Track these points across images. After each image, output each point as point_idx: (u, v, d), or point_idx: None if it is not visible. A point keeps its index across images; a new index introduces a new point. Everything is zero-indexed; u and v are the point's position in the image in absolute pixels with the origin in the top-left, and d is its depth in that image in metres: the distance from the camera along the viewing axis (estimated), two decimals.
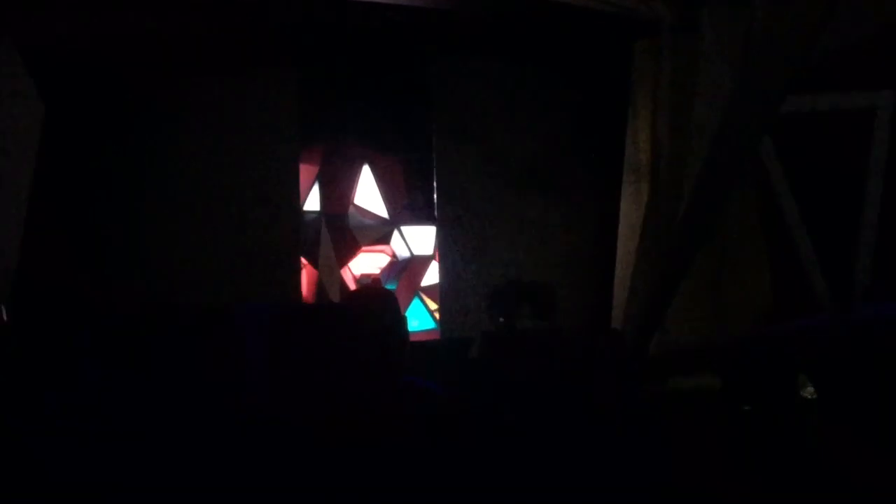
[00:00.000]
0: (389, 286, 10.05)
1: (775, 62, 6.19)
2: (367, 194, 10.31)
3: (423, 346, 8.66)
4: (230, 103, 9.11)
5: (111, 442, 4.73)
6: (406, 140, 10.05)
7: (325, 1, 7.71)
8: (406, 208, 10.36)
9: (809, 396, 6.00)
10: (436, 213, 9.46)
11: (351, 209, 10.26)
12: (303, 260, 10.08)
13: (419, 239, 10.40)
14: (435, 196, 9.47)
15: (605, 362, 5.52)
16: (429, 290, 10.45)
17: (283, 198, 9.40)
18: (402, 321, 5.26)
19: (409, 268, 10.39)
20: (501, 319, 6.46)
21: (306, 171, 10.22)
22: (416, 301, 10.32)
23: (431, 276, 10.45)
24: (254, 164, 9.19)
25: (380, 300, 5.27)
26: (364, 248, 10.21)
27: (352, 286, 9.99)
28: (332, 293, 9.95)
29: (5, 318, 6.28)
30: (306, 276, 10.06)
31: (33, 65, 7.75)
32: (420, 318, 10.27)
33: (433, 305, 10.37)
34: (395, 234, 10.36)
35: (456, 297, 9.79)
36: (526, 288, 6.58)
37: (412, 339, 5.67)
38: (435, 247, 10.39)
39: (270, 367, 5.07)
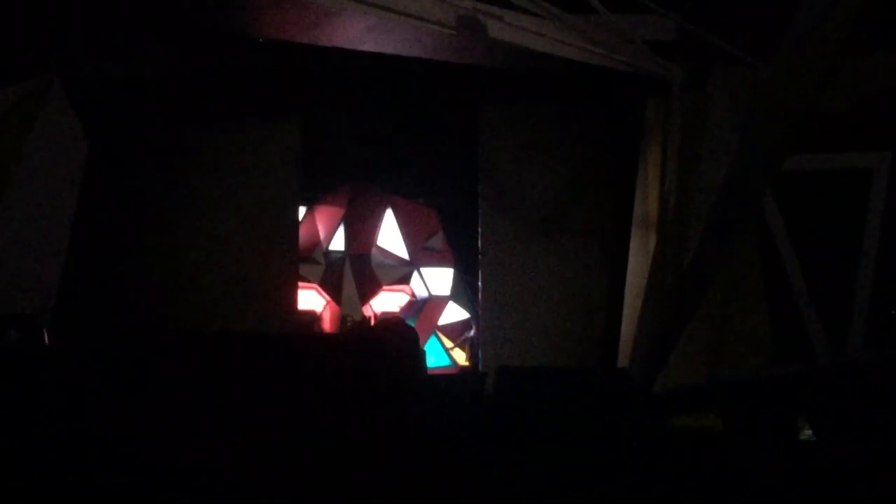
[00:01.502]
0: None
1: (778, 123, 6.51)
2: (389, 236, 10.72)
3: (440, 380, 8.91)
4: (234, 147, 9.39)
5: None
6: (427, 185, 10.42)
7: (345, 52, 7.91)
8: (425, 250, 10.76)
9: (807, 439, 6.30)
10: (479, 248, 9.59)
11: (374, 250, 10.67)
12: (326, 297, 10.47)
13: (437, 280, 10.79)
14: (479, 239, 9.60)
15: (612, 401, 5.78)
16: (445, 329, 10.83)
17: (281, 235, 9.49)
18: (421, 356, 5.57)
19: (426, 307, 10.77)
20: None
21: (332, 213, 10.66)
22: (433, 339, 10.68)
23: (448, 315, 10.83)
24: (253, 204, 9.38)
25: (399, 332, 5.56)
26: (385, 288, 10.60)
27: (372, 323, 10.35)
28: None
29: (46, 341, 6.48)
30: (330, 312, 10.44)
31: (78, 103, 8.15)
32: (436, 355, 10.62)
33: (449, 343, 10.73)
34: (415, 274, 10.74)
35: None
36: None
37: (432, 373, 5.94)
38: (452, 287, 10.78)
39: (291, 391, 5.36)
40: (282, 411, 5.24)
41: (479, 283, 9.50)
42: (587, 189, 9.32)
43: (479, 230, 9.51)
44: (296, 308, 9.57)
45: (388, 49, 7.83)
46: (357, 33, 7.53)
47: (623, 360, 8.18)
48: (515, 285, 9.43)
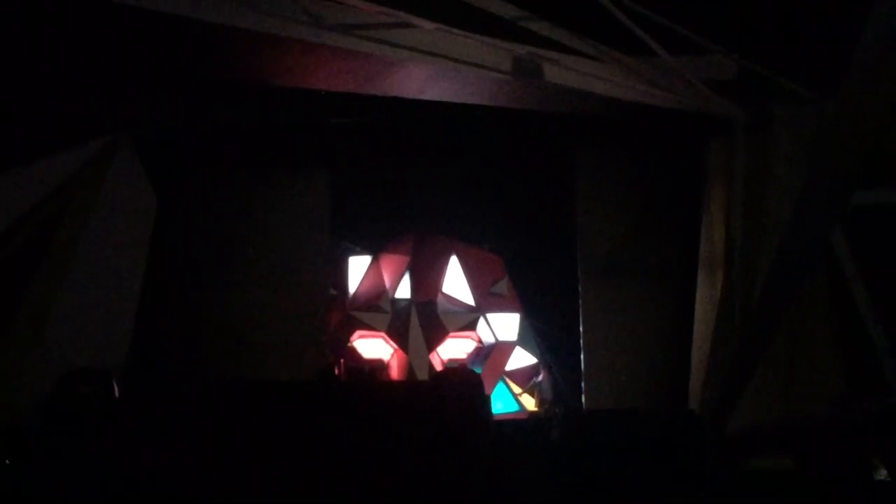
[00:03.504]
0: (475, 370, 10.40)
1: (844, 158, 6.46)
2: (455, 283, 10.75)
3: (507, 425, 8.87)
4: (270, 198, 9.51)
5: None
6: (492, 231, 10.44)
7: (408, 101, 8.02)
8: (491, 296, 10.77)
9: (883, 479, 6.14)
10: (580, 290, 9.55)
11: (439, 297, 10.70)
12: (394, 345, 10.52)
13: (504, 326, 10.78)
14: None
15: (682, 444, 5.70)
16: (513, 374, 10.79)
17: (313, 285, 9.59)
18: (487, 401, 5.57)
19: (494, 353, 10.75)
20: None
21: (397, 260, 10.74)
22: (500, 385, 10.65)
23: (515, 360, 10.79)
24: (287, 253, 9.46)
25: (465, 381, 5.58)
26: (452, 334, 10.61)
27: (440, 369, 10.36)
28: (420, 376, 10.34)
29: (116, 394, 6.58)
30: (397, 361, 10.48)
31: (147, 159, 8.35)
32: (504, 401, 10.59)
33: (517, 389, 10.69)
34: (481, 320, 10.75)
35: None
36: None
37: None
38: (518, 333, 10.76)
39: (357, 440, 5.39)
40: (349, 460, 5.27)
41: (581, 328, 9.44)
42: (652, 231, 9.24)
43: (580, 276, 9.49)
44: (327, 359, 9.70)
45: (449, 97, 7.89)
46: (417, 83, 7.62)
47: (693, 401, 8.09)
48: (590, 329, 9.42)
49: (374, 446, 5.31)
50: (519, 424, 9.45)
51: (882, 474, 6.00)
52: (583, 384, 9.32)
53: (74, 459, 5.45)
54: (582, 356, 9.37)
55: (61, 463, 5.44)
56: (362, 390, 6.26)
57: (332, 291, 10.64)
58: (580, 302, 9.44)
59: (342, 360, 10.13)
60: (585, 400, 9.21)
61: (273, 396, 5.79)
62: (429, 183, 10.19)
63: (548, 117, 8.50)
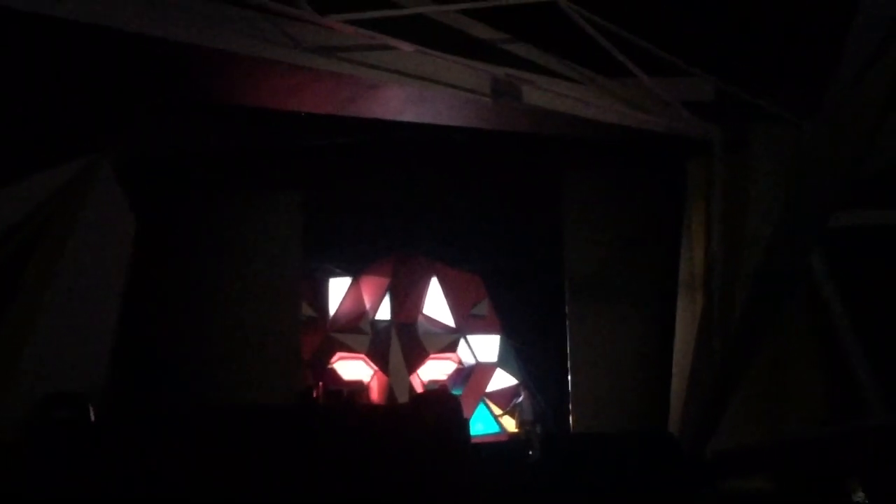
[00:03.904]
0: (456, 392, 10.39)
1: (824, 179, 6.48)
2: (435, 304, 10.74)
3: (486, 448, 8.83)
4: (244, 219, 9.53)
5: None
6: (472, 252, 10.43)
7: (388, 124, 8.00)
8: (471, 317, 10.76)
9: (860, 501, 6.14)
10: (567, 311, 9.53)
11: (420, 318, 10.69)
12: (374, 366, 10.50)
13: (484, 347, 10.77)
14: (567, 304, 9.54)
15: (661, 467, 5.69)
16: (493, 396, 10.78)
17: (286, 305, 9.54)
18: (465, 425, 5.55)
19: (474, 374, 10.74)
20: None
21: (377, 282, 10.73)
22: (481, 406, 10.64)
23: (496, 382, 10.78)
24: (260, 275, 9.43)
25: (444, 404, 5.56)
26: (432, 356, 10.60)
27: (420, 391, 10.33)
28: (401, 398, 10.32)
29: (92, 418, 6.43)
30: (377, 382, 10.46)
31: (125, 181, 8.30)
32: (485, 422, 10.56)
33: (497, 410, 10.67)
34: (462, 341, 10.73)
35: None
36: None
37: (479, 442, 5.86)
38: (499, 354, 10.75)
39: (335, 463, 5.35)
40: (328, 484, 5.23)
41: (568, 349, 9.42)
42: (635, 252, 9.23)
43: (567, 296, 9.47)
44: (300, 380, 9.66)
45: (428, 119, 7.88)
46: (397, 104, 7.61)
47: (673, 421, 8.06)
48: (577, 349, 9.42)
49: (353, 470, 5.27)
50: (497, 447, 9.40)
51: (859, 496, 5.99)
52: (570, 405, 9.25)
53: (51, 481, 5.40)
54: (569, 377, 9.33)
55: (38, 484, 5.38)
56: (342, 415, 6.20)
57: (312, 313, 10.63)
58: (567, 323, 9.41)
59: (321, 383, 10.10)
60: (572, 420, 9.14)
61: (251, 421, 5.75)
62: (409, 205, 10.18)
63: (528, 139, 8.50)
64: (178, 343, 8.98)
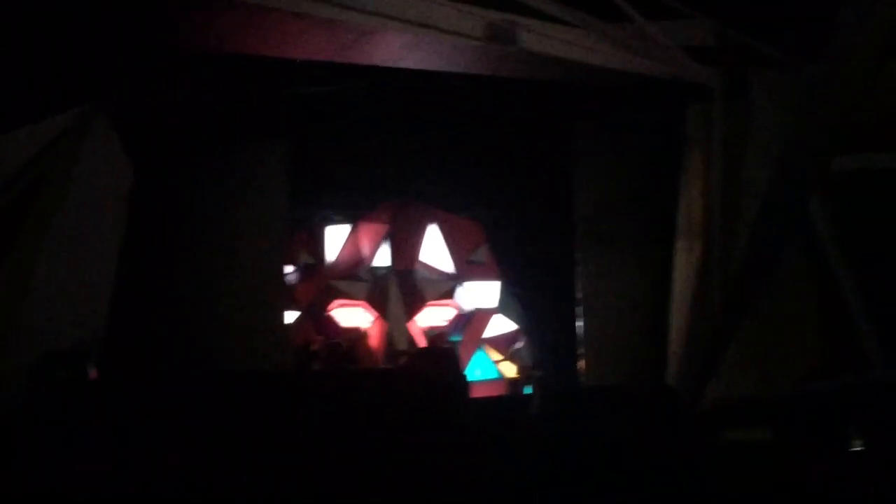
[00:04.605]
0: (454, 339, 10.40)
1: (824, 123, 6.43)
2: (434, 251, 10.71)
3: (485, 403, 8.84)
4: (228, 175, 9.35)
5: None
6: (471, 198, 10.36)
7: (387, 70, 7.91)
8: (470, 263, 10.73)
9: (858, 449, 6.17)
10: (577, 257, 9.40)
11: (418, 265, 10.66)
12: (374, 313, 10.49)
13: (483, 293, 10.76)
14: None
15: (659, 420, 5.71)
16: (492, 342, 10.80)
17: (270, 262, 9.40)
18: (464, 381, 5.54)
19: (473, 321, 10.74)
20: None
21: (376, 229, 10.68)
22: (479, 352, 10.66)
23: (495, 328, 10.79)
24: (244, 230, 9.27)
25: (440, 361, 5.56)
26: (431, 303, 10.59)
27: (419, 339, 10.35)
28: (400, 344, 10.33)
29: (91, 376, 6.41)
30: (376, 330, 10.46)
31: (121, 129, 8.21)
32: (484, 367, 10.60)
33: (497, 356, 10.69)
34: (461, 288, 10.72)
35: None
36: None
37: (479, 389, 5.82)
38: (498, 300, 10.74)
39: (333, 427, 5.37)
40: (324, 448, 5.25)
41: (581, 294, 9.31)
42: (629, 199, 9.16)
43: (578, 243, 9.36)
44: (289, 338, 9.62)
45: (426, 65, 7.79)
46: (394, 51, 7.51)
47: (670, 374, 8.06)
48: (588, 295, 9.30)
49: (351, 434, 5.29)
50: (497, 402, 9.43)
51: (857, 445, 6.02)
52: (579, 352, 9.23)
53: (51, 443, 5.41)
54: (580, 323, 9.24)
55: (38, 447, 5.40)
56: (339, 378, 6.20)
57: (310, 260, 10.61)
58: (578, 269, 9.32)
59: (320, 337, 10.11)
60: (584, 367, 9.14)
61: (251, 385, 5.76)
62: (407, 151, 10.10)
63: (529, 85, 8.40)
64: (170, 301, 8.88)
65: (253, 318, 9.03)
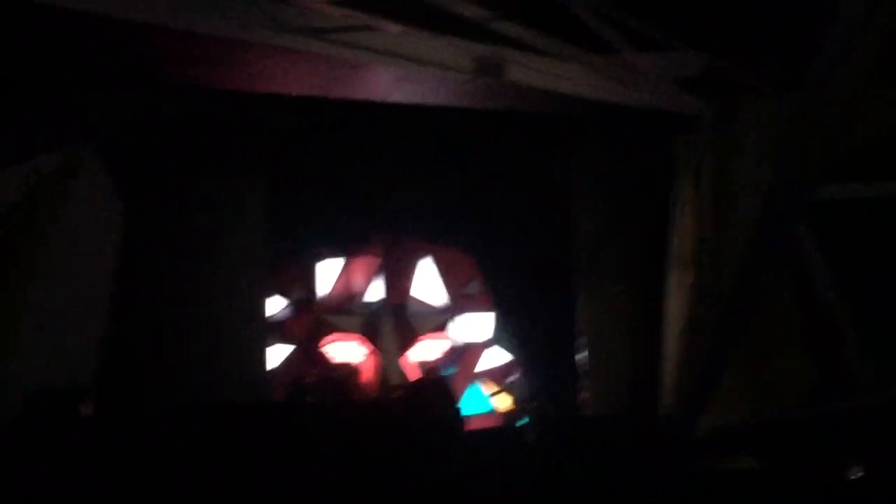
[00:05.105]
0: (448, 372, 10.38)
1: (810, 153, 6.46)
2: (427, 284, 10.70)
3: (479, 436, 8.80)
4: (209, 207, 9.30)
5: None
6: (464, 231, 10.38)
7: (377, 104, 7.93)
8: (463, 296, 10.73)
9: (855, 477, 6.16)
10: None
11: (411, 299, 10.66)
12: (368, 346, 10.48)
13: (476, 326, 10.75)
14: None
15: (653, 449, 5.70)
16: (486, 375, 10.76)
17: (251, 296, 9.40)
18: (459, 415, 5.53)
19: (467, 354, 10.72)
20: None
21: (368, 263, 10.68)
22: (474, 386, 10.63)
23: (489, 360, 10.77)
24: (225, 264, 9.24)
25: (434, 393, 5.55)
26: (424, 336, 10.58)
27: (412, 373, 10.33)
28: (393, 378, 10.30)
29: (84, 413, 6.35)
30: (369, 364, 10.43)
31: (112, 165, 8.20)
32: (478, 401, 10.56)
33: (491, 389, 10.66)
34: (454, 321, 10.71)
35: None
36: None
37: (473, 422, 5.84)
38: (492, 333, 10.73)
39: (326, 460, 5.35)
40: (317, 482, 5.23)
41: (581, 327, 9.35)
42: (620, 231, 9.19)
43: (577, 274, 9.41)
44: (268, 374, 9.60)
45: (416, 99, 7.86)
46: (384, 85, 7.58)
47: (663, 406, 8.04)
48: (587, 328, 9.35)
49: (345, 468, 5.27)
50: (492, 434, 9.37)
51: (855, 473, 6.00)
52: (580, 384, 9.24)
53: (42, 479, 5.38)
54: (580, 351, 9.29)
55: (29, 484, 5.37)
56: (333, 410, 6.20)
57: (302, 295, 10.60)
58: (578, 300, 9.35)
59: (312, 371, 10.09)
60: (581, 396, 9.15)
61: (245, 418, 5.74)
62: (400, 184, 10.12)
63: (520, 117, 8.46)
64: (160, 337, 8.85)
65: (234, 352, 9.03)
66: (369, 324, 10.55)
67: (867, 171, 7.30)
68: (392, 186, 10.17)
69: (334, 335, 10.55)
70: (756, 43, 7.38)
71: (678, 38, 7.37)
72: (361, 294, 10.66)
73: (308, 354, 10.46)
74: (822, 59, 6.07)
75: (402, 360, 10.40)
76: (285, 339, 10.46)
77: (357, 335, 10.52)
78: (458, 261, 10.76)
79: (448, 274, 10.77)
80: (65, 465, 5.44)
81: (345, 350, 10.47)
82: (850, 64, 6.11)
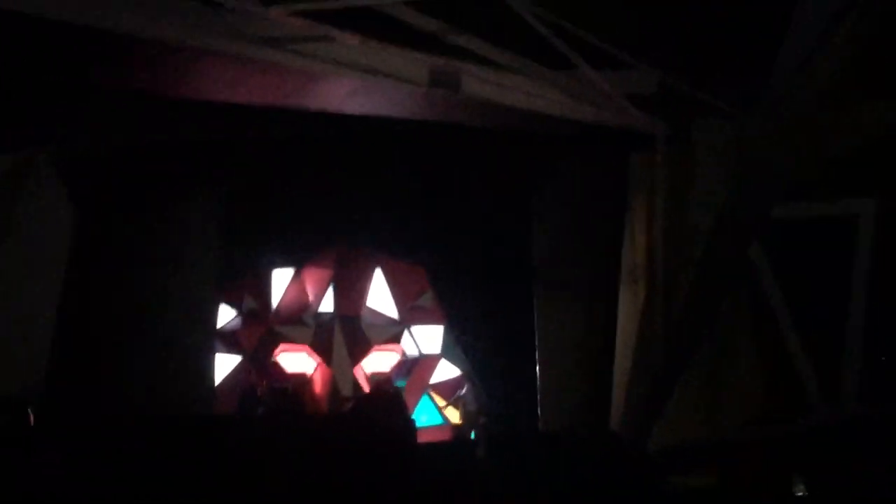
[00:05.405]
0: (400, 384, 10.34)
1: (764, 174, 6.54)
2: (379, 296, 10.67)
3: (430, 449, 8.79)
4: (159, 219, 9.29)
5: None
6: (415, 244, 10.36)
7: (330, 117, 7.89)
8: (415, 309, 10.71)
9: (802, 495, 6.22)
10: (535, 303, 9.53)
11: (363, 310, 10.62)
12: (318, 358, 10.41)
13: (428, 338, 10.73)
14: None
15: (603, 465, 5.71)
16: (437, 387, 10.75)
17: (200, 308, 9.46)
18: (411, 427, 5.52)
19: (418, 366, 10.70)
20: None
21: (320, 274, 10.63)
22: (425, 398, 10.60)
23: (439, 373, 10.75)
24: (176, 273, 9.22)
25: (386, 405, 5.53)
26: (376, 348, 10.54)
27: (364, 384, 10.28)
28: (345, 390, 10.25)
29: (32, 420, 6.23)
30: (321, 374, 10.37)
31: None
32: (429, 414, 10.54)
33: (441, 402, 10.64)
34: (405, 333, 10.69)
35: None
36: None
37: (423, 435, 5.83)
38: (442, 345, 10.72)
39: (283, 479, 5.30)
40: (269, 493, 5.18)
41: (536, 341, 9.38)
42: (574, 245, 9.22)
43: (536, 289, 9.45)
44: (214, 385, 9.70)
45: (370, 111, 7.80)
46: (339, 97, 7.51)
47: (614, 419, 8.07)
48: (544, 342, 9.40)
49: (297, 479, 5.23)
50: (443, 447, 9.36)
51: (800, 490, 6.06)
52: (538, 397, 9.30)
53: None
54: (538, 369, 9.32)
55: None
56: (285, 423, 6.15)
57: (254, 305, 10.52)
58: (535, 315, 9.39)
59: (264, 382, 10.01)
60: (541, 413, 9.19)
61: (194, 430, 5.68)
62: (352, 196, 10.08)
63: (476, 130, 8.44)
64: (109, 345, 8.75)
65: (182, 361, 8.99)
66: (321, 335, 10.49)
67: (820, 191, 7.41)
68: (344, 199, 10.12)
69: (284, 346, 10.48)
70: (712, 63, 7.44)
71: (634, 55, 7.41)
72: (313, 305, 10.61)
73: (258, 365, 10.37)
74: (775, 81, 6.15)
75: (354, 371, 10.35)
76: (235, 350, 10.40)
77: (306, 346, 10.47)
78: (409, 273, 10.74)
79: (399, 286, 10.74)
80: (8, 474, 5.35)
81: (296, 361, 10.40)
82: (802, 86, 6.19)
